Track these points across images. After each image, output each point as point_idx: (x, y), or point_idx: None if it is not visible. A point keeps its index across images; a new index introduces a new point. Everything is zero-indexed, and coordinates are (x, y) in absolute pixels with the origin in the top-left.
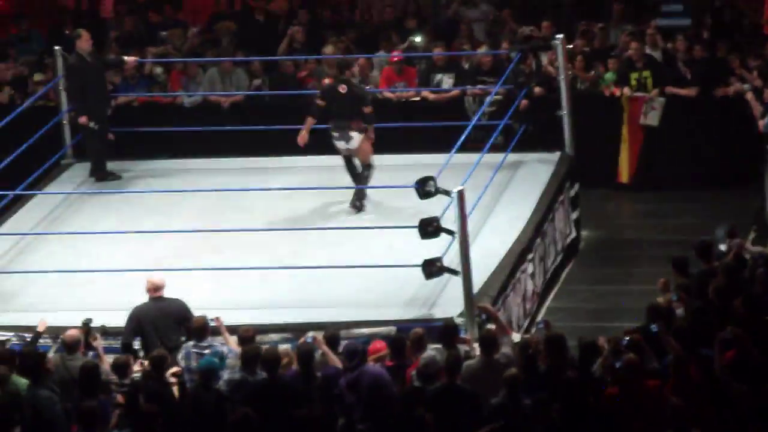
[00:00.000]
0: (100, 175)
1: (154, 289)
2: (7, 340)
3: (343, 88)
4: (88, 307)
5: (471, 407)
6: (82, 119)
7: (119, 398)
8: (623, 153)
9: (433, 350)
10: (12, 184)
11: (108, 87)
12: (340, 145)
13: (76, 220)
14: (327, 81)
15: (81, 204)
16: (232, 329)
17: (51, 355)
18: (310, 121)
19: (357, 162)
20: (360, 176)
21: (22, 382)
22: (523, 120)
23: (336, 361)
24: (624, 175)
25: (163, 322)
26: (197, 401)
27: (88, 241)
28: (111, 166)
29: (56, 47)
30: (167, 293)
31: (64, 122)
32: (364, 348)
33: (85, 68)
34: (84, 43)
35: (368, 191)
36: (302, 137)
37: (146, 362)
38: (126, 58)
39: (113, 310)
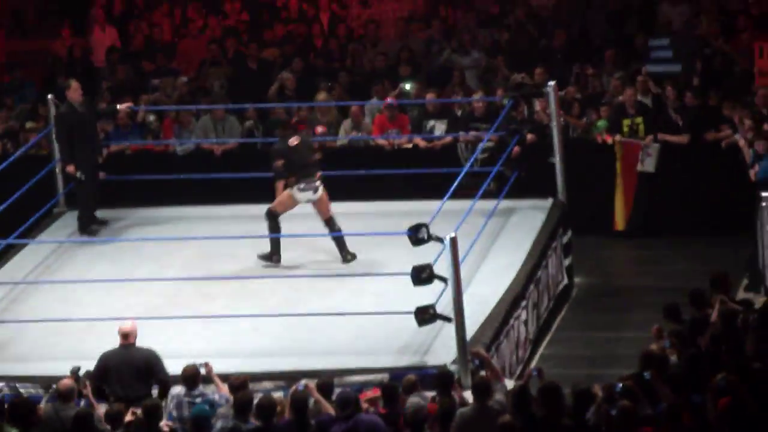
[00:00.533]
0: (84, 225)
1: (123, 337)
2: None
3: (294, 140)
4: (81, 355)
5: None
6: (70, 168)
7: None
8: (618, 200)
9: (416, 396)
10: (4, 233)
11: (99, 136)
12: (307, 196)
13: (69, 269)
14: (320, 130)
15: (73, 252)
16: (224, 377)
17: (43, 404)
18: (280, 185)
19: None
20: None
21: None
22: (516, 167)
23: (329, 409)
24: (620, 222)
25: (126, 371)
26: None
27: (80, 290)
28: (103, 213)
29: (49, 96)
30: (159, 341)
31: (57, 171)
32: (357, 396)
33: (74, 118)
34: (74, 93)
35: (362, 238)
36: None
37: (138, 411)
38: (119, 106)
39: None
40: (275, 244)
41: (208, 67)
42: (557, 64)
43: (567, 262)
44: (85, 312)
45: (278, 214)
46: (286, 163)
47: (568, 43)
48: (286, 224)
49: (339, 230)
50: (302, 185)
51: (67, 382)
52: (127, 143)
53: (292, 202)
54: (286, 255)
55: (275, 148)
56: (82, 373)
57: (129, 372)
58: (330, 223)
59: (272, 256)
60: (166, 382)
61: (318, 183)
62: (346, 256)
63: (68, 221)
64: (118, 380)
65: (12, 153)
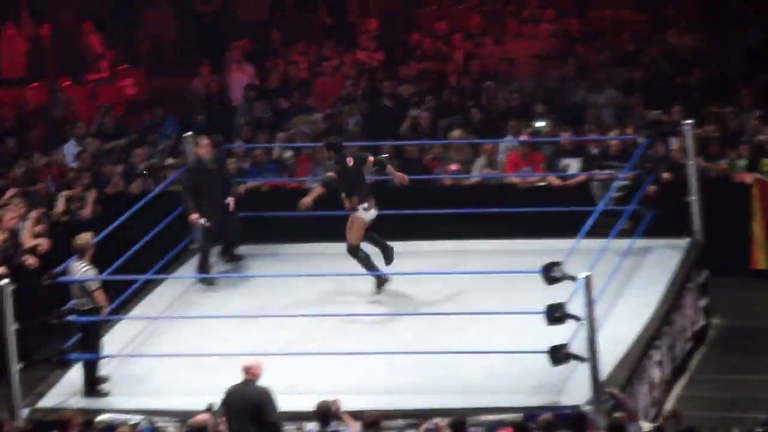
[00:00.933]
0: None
1: (244, 371)
2: (137, 423)
3: (350, 161)
4: (216, 390)
5: None
6: (193, 217)
7: None
8: (756, 239)
9: None
10: (143, 269)
11: (230, 184)
12: (371, 215)
13: (206, 303)
14: (453, 167)
15: (209, 287)
16: (357, 414)
17: None
18: (318, 190)
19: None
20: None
21: None
22: (651, 206)
23: None
24: (760, 261)
25: (242, 407)
26: None
27: (216, 324)
28: (238, 250)
29: (187, 134)
30: (293, 376)
31: None
32: None
33: (202, 173)
34: (202, 149)
35: (495, 276)
36: (305, 203)
37: None
38: (229, 199)
39: None
40: (372, 269)
41: (343, 104)
42: (694, 103)
43: (703, 302)
44: (221, 346)
45: (358, 245)
46: (344, 184)
47: (706, 81)
48: (417, 261)
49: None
50: (366, 205)
51: (202, 418)
52: (263, 180)
53: (362, 224)
54: (419, 289)
55: (333, 169)
56: (215, 409)
57: (243, 408)
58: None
59: (381, 282)
60: (273, 424)
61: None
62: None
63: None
64: (236, 416)
65: (152, 188)
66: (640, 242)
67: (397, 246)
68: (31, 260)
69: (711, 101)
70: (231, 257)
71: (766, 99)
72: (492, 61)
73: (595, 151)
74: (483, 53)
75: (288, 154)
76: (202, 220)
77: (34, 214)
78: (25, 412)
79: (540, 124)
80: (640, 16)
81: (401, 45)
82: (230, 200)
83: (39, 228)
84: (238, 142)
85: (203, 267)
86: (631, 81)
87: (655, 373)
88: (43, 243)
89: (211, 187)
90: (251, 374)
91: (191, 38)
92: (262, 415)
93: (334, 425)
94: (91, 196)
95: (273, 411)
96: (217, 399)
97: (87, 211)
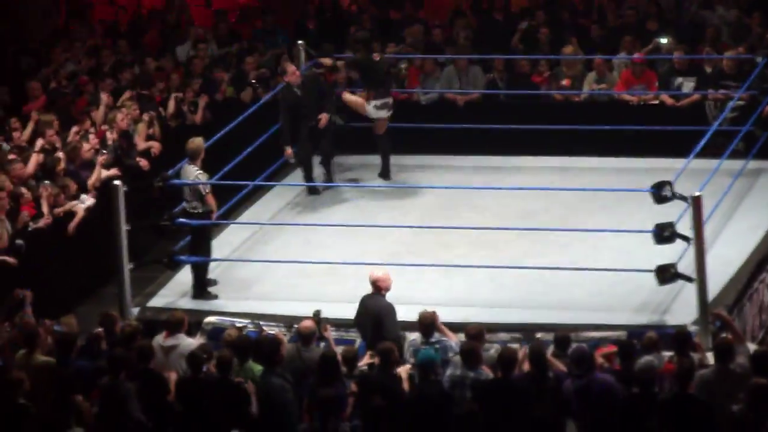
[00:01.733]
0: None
1: (372, 283)
2: (244, 326)
3: (377, 56)
4: (322, 298)
5: (704, 418)
6: (287, 152)
7: (353, 387)
8: None
9: (652, 356)
10: (253, 175)
11: (331, 100)
12: (381, 114)
13: (312, 213)
14: (564, 83)
15: (317, 196)
16: (461, 326)
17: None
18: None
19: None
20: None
21: (257, 368)
22: (767, 127)
23: (561, 367)
24: None
25: (366, 318)
26: (421, 395)
27: (323, 233)
28: (349, 160)
29: (299, 42)
30: (396, 287)
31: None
32: (592, 354)
33: (293, 101)
34: (291, 76)
35: (604, 193)
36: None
37: (375, 355)
38: (322, 116)
39: (344, 302)
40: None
41: (454, 17)
42: None
43: None
44: (327, 255)
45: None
46: (364, 76)
47: None
48: (525, 176)
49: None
50: (378, 102)
51: (309, 324)
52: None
53: (363, 112)
54: (526, 204)
55: (355, 59)
56: (322, 316)
57: (367, 320)
58: (383, 139)
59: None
60: (391, 340)
61: (391, 101)
62: (387, 175)
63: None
64: (361, 325)
65: (261, 93)
66: (754, 164)
67: (505, 161)
68: (143, 162)
69: None
70: (326, 172)
71: None
72: None
73: (710, 70)
74: None
75: (403, 65)
76: (292, 160)
77: (146, 116)
78: (135, 311)
79: (663, 40)
80: None
81: None
82: (323, 117)
83: (151, 130)
84: (349, 53)
85: (308, 177)
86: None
87: (765, 296)
88: (155, 146)
89: (303, 113)
90: (377, 287)
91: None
92: (381, 329)
93: (436, 336)
94: (203, 100)
95: (391, 328)
96: (321, 307)
97: (198, 116)
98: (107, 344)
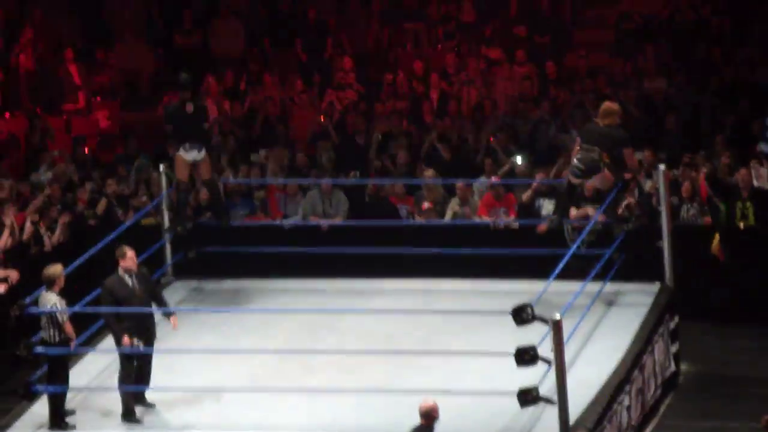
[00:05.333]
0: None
1: (423, 416)
2: None
3: (190, 107)
4: (184, 425)
5: None
6: (124, 341)
7: None
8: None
9: None
10: None
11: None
12: (192, 155)
13: (174, 338)
14: (426, 205)
15: (179, 321)
16: None
17: None
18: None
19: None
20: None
21: None
22: (623, 250)
23: None
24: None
25: None
26: None
27: (185, 359)
28: (209, 285)
29: (161, 165)
30: (259, 413)
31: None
32: None
33: (122, 295)
34: (128, 261)
35: (465, 316)
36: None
37: None
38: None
39: (211, 429)
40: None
41: (316, 139)
42: (668, 147)
43: (674, 348)
44: (189, 381)
45: (179, 180)
46: (175, 128)
47: (679, 126)
48: (386, 300)
49: (219, 192)
50: (187, 145)
51: None
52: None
53: (182, 162)
54: (388, 328)
55: (169, 110)
56: None
57: None
58: (211, 184)
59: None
60: None
61: (202, 145)
62: (223, 220)
63: (176, 291)
64: None
65: (122, 220)
66: (612, 286)
67: (367, 284)
68: (1, 288)
69: (685, 146)
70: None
71: (742, 143)
72: (467, 101)
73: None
74: (458, 93)
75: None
76: (135, 341)
77: (3, 241)
78: None
79: (518, 160)
80: (616, 60)
81: (376, 83)
82: (173, 320)
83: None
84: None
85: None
86: None
87: (624, 418)
88: (13, 274)
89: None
90: (432, 417)
91: (167, 72)
92: None
93: None
94: (63, 219)
95: None
96: None
97: (56, 237)
98: None
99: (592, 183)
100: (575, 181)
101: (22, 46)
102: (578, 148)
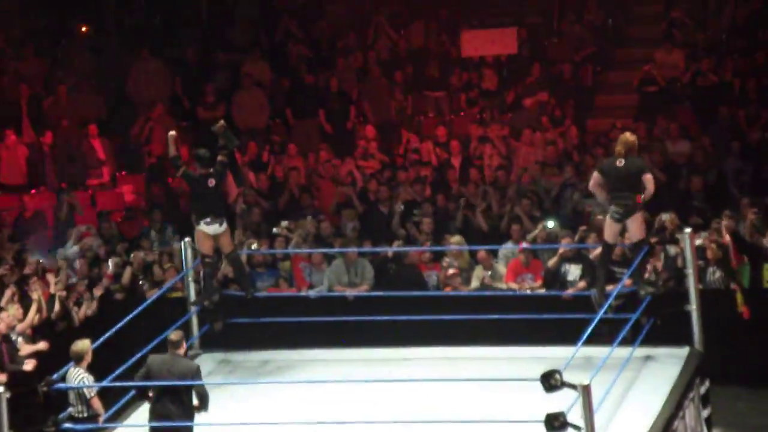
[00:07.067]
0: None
1: None
2: None
3: (212, 182)
4: None
5: None
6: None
7: None
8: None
9: None
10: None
11: None
12: (213, 228)
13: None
14: (451, 272)
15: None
16: None
17: None
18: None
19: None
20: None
21: None
22: (651, 314)
23: None
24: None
25: None
26: None
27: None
28: (236, 357)
29: (186, 239)
30: None
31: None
32: None
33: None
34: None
35: (493, 383)
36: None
37: None
38: None
39: None
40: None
41: (340, 208)
42: (693, 210)
43: (706, 413)
44: None
45: (203, 254)
46: (195, 202)
47: (705, 188)
48: (412, 368)
49: (242, 264)
50: (208, 219)
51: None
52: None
53: (204, 236)
54: (415, 396)
55: (192, 177)
56: None
57: None
58: (233, 257)
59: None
60: None
61: (223, 218)
62: (248, 292)
63: (204, 363)
64: None
65: (145, 290)
66: (640, 351)
67: (394, 352)
68: (29, 366)
69: (711, 208)
70: None
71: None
72: (490, 167)
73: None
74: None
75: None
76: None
77: (30, 316)
78: None
79: (550, 224)
80: (639, 124)
81: (399, 152)
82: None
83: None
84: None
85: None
86: None
87: None
88: (42, 345)
89: None
90: None
91: (190, 145)
92: None
93: None
94: (97, 291)
95: None
96: None
97: (83, 312)
98: None
99: (629, 236)
100: (615, 226)
101: (47, 123)
102: (600, 189)
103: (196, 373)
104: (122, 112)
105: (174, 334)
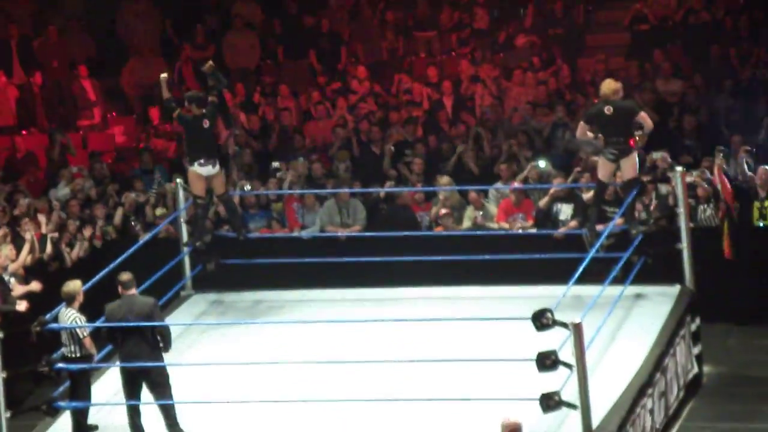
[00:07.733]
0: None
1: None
2: None
3: (206, 123)
4: None
5: None
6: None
7: None
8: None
9: None
10: None
11: None
12: (207, 170)
13: (195, 352)
14: (443, 211)
15: (199, 335)
16: None
17: None
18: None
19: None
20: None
21: None
22: (642, 253)
23: None
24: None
25: None
26: None
27: (212, 370)
28: (229, 297)
29: (178, 180)
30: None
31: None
32: None
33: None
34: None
35: (485, 322)
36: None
37: None
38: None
39: None
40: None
41: (333, 149)
42: (684, 149)
43: (696, 350)
44: (211, 394)
45: (196, 195)
46: (189, 142)
47: (697, 127)
48: (405, 308)
49: (234, 206)
50: (201, 160)
51: None
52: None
53: (197, 177)
54: (406, 335)
55: (186, 119)
56: None
57: None
58: (225, 198)
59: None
60: None
61: (216, 160)
62: (240, 233)
63: (196, 303)
64: None
65: (138, 231)
66: (631, 289)
67: (386, 292)
68: (21, 306)
69: (702, 147)
70: None
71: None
72: (482, 107)
73: (586, 196)
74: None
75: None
76: None
77: (23, 257)
78: None
79: (541, 163)
80: (631, 63)
81: (390, 92)
82: None
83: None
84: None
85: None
86: None
87: (647, 422)
88: (35, 285)
89: None
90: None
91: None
92: None
93: None
94: (86, 232)
95: None
96: None
97: (76, 253)
98: None
99: (622, 174)
100: (610, 165)
101: (37, 64)
102: (590, 134)
103: (155, 307)
104: (112, 53)
105: (124, 275)
